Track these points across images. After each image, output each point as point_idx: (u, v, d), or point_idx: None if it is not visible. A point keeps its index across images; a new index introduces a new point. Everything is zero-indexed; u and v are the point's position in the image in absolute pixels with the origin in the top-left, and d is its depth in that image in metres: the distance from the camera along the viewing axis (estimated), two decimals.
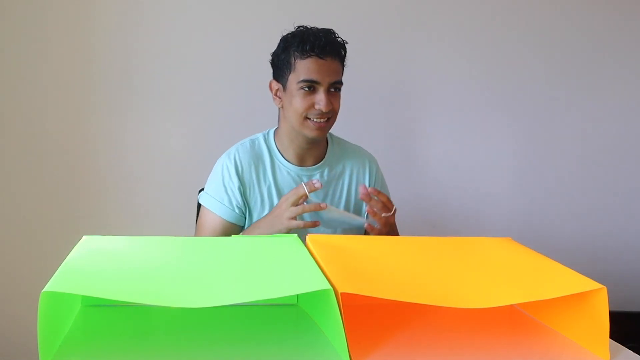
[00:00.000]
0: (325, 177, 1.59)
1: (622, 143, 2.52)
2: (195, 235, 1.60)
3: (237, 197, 1.53)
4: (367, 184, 1.61)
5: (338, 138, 1.68)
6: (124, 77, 2.22)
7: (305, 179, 1.55)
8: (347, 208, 1.60)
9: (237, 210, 1.54)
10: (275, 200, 1.53)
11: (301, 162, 1.57)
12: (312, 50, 1.44)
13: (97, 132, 2.22)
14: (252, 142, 1.59)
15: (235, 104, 2.25)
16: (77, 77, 2.19)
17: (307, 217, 1.50)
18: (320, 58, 1.44)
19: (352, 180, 1.62)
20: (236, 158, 1.55)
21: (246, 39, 2.23)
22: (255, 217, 1.55)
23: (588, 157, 2.51)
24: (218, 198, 1.54)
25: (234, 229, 1.55)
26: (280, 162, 1.57)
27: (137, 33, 2.21)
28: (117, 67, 2.21)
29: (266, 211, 1.54)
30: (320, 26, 1.53)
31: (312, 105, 1.46)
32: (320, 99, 1.46)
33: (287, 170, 1.56)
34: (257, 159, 1.56)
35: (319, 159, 1.59)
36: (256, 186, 1.55)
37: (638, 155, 2.53)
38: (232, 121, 2.23)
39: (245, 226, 1.57)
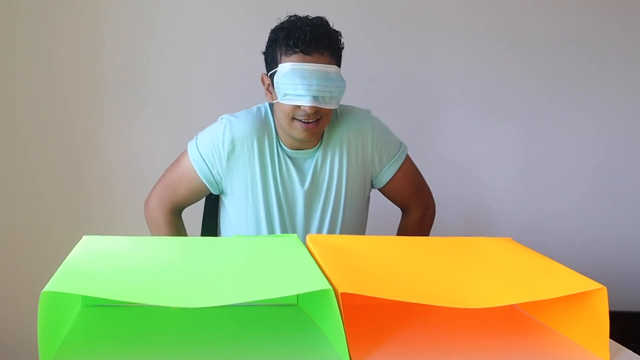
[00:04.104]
0: (319, 161, 1.49)
1: (622, 143, 2.52)
2: (164, 174, 1.54)
3: (222, 163, 1.46)
4: (368, 152, 1.51)
5: (336, 111, 1.52)
6: (128, 79, 2.22)
7: (300, 162, 1.48)
8: (338, 186, 1.50)
9: (213, 173, 1.47)
10: (258, 178, 1.46)
11: (297, 146, 1.48)
12: (297, 46, 1.33)
13: (101, 133, 2.23)
14: (259, 110, 1.51)
15: (238, 106, 2.24)
16: (83, 79, 2.20)
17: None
18: (306, 54, 1.34)
19: (349, 155, 1.50)
20: (238, 127, 1.46)
21: (249, 42, 2.21)
22: (236, 187, 1.48)
23: (588, 157, 2.51)
24: (203, 154, 1.47)
25: (203, 190, 1.51)
26: (276, 143, 1.47)
27: (143, 36, 2.21)
28: (122, 69, 2.21)
29: (248, 186, 1.47)
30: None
31: (299, 106, 1.36)
32: None
33: (282, 151, 1.48)
34: (262, 130, 1.46)
35: (316, 142, 1.49)
36: (246, 160, 1.46)
37: (638, 154, 2.53)
38: None
39: (222, 196, 1.52)
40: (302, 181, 1.49)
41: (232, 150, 1.45)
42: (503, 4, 2.39)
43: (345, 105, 1.56)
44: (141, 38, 2.21)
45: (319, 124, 1.39)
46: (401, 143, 1.59)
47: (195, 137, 1.52)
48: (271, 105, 1.50)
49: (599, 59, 2.46)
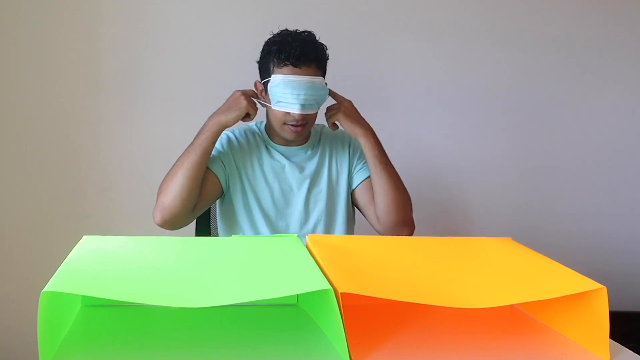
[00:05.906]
0: (309, 153, 1.66)
1: (622, 142, 2.52)
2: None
3: (226, 161, 1.59)
4: (347, 157, 1.68)
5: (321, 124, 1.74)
6: (127, 78, 2.22)
7: (293, 158, 1.63)
8: (329, 182, 1.65)
9: (224, 166, 1.59)
10: (259, 177, 1.60)
11: (286, 145, 1.65)
12: (287, 59, 1.49)
13: (101, 134, 2.22)
14: (247, 125, 1.69)
15: None
16: (81, 78, 2.20)
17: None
18: (295, 67, 1.49)
19: (332, 156, 1.68)
20: (233, 133, 1.65)
21: (248, 41, 2.22)
22: (234, 188, 1.59)
23: (588, 157, 2.51)
24: (212, 154, 1.59)
25: (216, 185, 1.58)
26: (269, 145, 1.64)
27: (141, 34, 2.21)
28: (121, 68, 2.21)
29: (245, 185, 1.60)
30: (306, 26, 1.57)
31: (288, 113, 1.52)
32: None
33: (274, 149, 1.64)
34: (252, 136, 1.66)
35: (304, 140, 1.67)
36: (247, 157, 1.61)
37: (638, 154, 2.53)
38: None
39: (221, 203, 1.62)
40: (298, 168, 1.62)
41: (230, 146, 1.62)
42: (500, 2, 2.39)
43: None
44: (141, 38, 2.21)
45: (306, 127, 1.58)
46: None
47: None
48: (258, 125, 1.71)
49: (598, 58, 2.46)
